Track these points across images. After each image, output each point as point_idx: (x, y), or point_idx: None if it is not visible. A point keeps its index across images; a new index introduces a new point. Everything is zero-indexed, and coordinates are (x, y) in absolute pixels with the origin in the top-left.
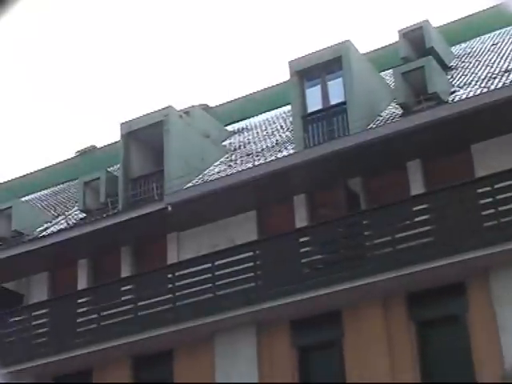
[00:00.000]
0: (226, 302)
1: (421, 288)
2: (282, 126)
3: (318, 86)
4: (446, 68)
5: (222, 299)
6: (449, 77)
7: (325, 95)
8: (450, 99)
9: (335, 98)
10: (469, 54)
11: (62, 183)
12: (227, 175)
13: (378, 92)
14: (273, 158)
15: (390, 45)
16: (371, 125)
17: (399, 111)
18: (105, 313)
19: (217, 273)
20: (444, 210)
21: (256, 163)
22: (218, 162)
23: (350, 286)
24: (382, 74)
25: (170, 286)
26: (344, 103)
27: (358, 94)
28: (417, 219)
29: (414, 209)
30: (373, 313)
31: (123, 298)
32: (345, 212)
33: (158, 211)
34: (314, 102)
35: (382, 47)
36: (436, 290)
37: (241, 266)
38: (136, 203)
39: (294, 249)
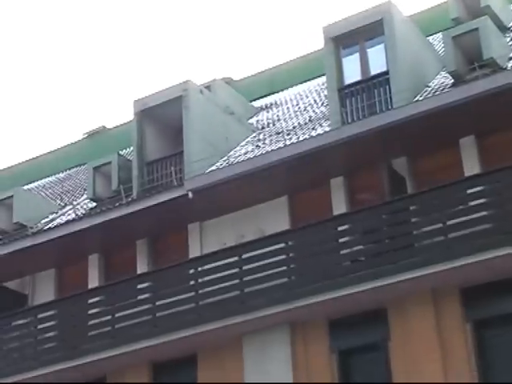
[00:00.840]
0: (256, 300)
1: (477, 282)
2: (315, 101)
3: (357, 55)
4: (504, 30)
5: (250, 297)
6: (507, 39)
7: (364, 64)
8: (510, 65)
9: (376, 67)
10: None
11: (69, 169)
12: (255, 157)
13: (426, 59)
14: (306, 136)
15: (439, 5)
16: (418, 97)
17: (450, 81)
18: (119, 314)
19: (244, 267)
20: (503, 193)
21: (287, 143)
22: (244, 142)
23: (396, 280)
24: (430, 38)
25: (192, 282)
26: (386, 73)
27: (403, 63)
28: (471, 204)
29: (469, 192)
30: (422, 311)
31: (140, 297)
32: (389, 197)
33: (177, 199)
34: (352, 73)
35: (430, 8)
36: (494, 285)
37: (271, 260)
38: (152, 190)
39: (331, 239)
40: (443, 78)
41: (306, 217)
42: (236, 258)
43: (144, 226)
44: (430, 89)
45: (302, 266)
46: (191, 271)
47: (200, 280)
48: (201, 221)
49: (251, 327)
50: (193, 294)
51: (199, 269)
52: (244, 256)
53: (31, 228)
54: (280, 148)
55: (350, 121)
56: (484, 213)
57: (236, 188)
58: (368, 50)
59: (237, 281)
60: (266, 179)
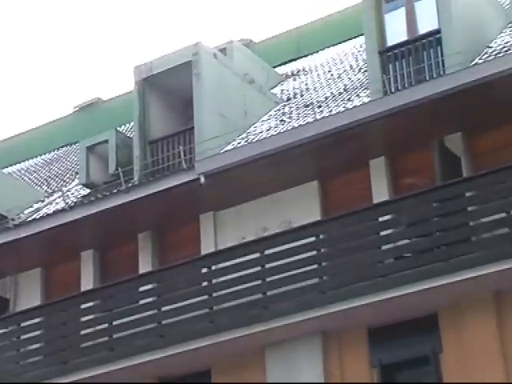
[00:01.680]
0: (281, 304)
1: None
2: (351, 66)
3: (402, 9)
4: None
5: (274, 301)
6: None
7: (411, 22)
8: None
9: (425, 24)
10: None
11: (58, 149)
12: (279, 134)
13: (486, 14)
14: (340, 109)
15: None
16: (476, 60)
17: None
18: (118, 321)
19: (267, 266)
20: None
21: (317, 117)
22: (266, 117)
23: (450, 281)
24: None
25: (205, 284)
26: (437, 32)
27: (458, 19)
28: None
29: None
30: (481, 317)
31: (142, 302)
32: (441, 180)
33: (186, 184)
34: (396, 32)
35: None
36: None
37: (299, 257)
38: (157, 174)
39: (371, 232)
40: (509, 37)
41: (341, 205)
42: (257, 255)
43: (147, 216)
44: (491, 50)
45: (335, 264)
46: (204, 270)
47: (214, 281)
48: (215, 210)
49: (276, 337)
50: (206, 297)
51: (213, 267)
52: (267, 252)
53: (12, 220)
54: (309, 123)
55: (393, 90)
56: None
57: (257, 171)
58: (415, 4)
59: (258, 282)
60: (292, 161)
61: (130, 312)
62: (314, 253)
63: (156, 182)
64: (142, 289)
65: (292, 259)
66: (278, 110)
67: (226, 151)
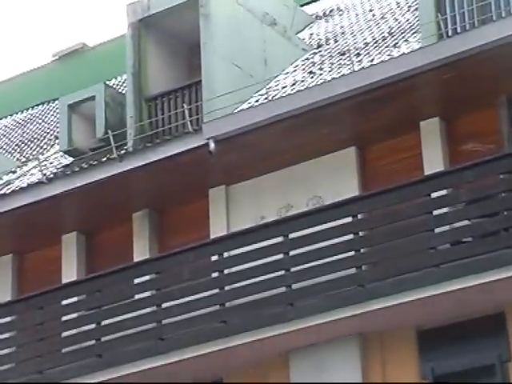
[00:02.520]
0: (309, 300)
1: None
2: (398, 4)
3: None
4: None
5: (301, 296)
6: None
7: None
8: None
9: None
10: None
11: (32, 108)
12: (307, 89)
13: None
14: (383, 58)
15: None
16: None
17: None
18: (108, 321)
19: (292, 252)
20: None
21: (355, 68)
22: (291, 68)
23: None
24: None
25: (216, 274)
26: None
27: None
28: None
29: None
30: None
31: (138, 297)
32: (509, 146)
33: (193, 151)
34: None
35: None
36: None
37: (332, 241)
38: (156, 139)
39: (421, 210)
40: None
41: (384, 178)
42: (280, 239)
43: (144, 192)
44: None
45: (377, 250)
46: (214, 258)
47: (227, 271)
48: (227, 184)
49: (302, 341)
50: (216, 291)
51: (225, 254)
52: (291, 236)
53: None
54: (345, 76)
55: (450, 33)
56: None
57: (279, 136)
58: None
59: (281, 272)
60: (323, 123)
61: (123, 309)
62: (351, 236)
63: (155, 149)
64: (137, 281)
65: (323, 244)
66: (306, 59)
67: (241, 111)
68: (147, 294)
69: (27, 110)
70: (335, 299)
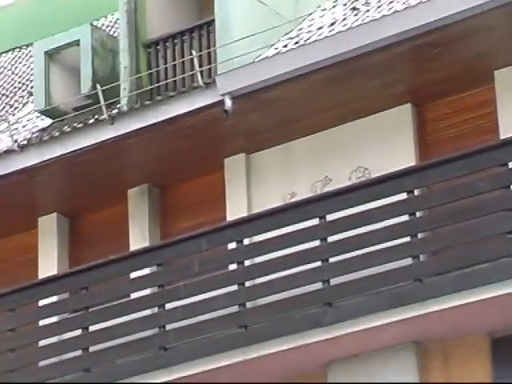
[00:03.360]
0: (352, 299)
1: None
2: None
3: None
4: None
5: (342, 294)
6: None
7: None
8: None
9: None
10: None
11: None
12: (349, 30)
13: None
14: None
15: None
16: None
17: None
18: (96, 326)
19: (331, 239)
20: None
21: (411, 2)
22: (329, 3)
23: None
24: None
25: (234, 266)
26: None
27: None
28: None
29: None
30: None
31: (135, 296)
32: None
33: (204, 110)
34: None
35: None
36: None
37: (381, 224)
38: (157, 95)
39: (496, 184)
40: None
41: (447, 143)
42: (315, 222)
43: (142, 162)
44: None
45: (438, 235)
46: (232, 246)
47: (248, 262)
48: (248, 152)
49: (344, 350)
50: (234, 288)
51: (246, 241)
52: (329, 218)
53: None
54: (398, 12)
55: None
56: None
57: (313, 91)
58: None
59: (317, 264)
60: (370, 73)
61: (116, 312)
62: (406, 218)
63: (155, 108)
64: (134, 275)
65: (368, 228)
66: None
67: (264, 59)
68: (146, 291)
69: None
70: (385, 298)
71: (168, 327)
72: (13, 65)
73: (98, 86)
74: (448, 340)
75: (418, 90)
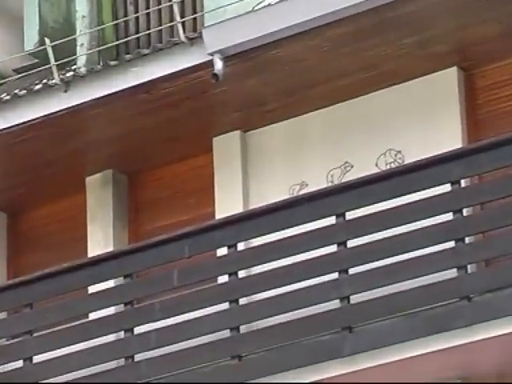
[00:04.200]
0: (379, 322)
1: None
2: None
3: None
4: None
5: (365, 315)
6: None
7: None
8: None
9: None
10: None
11: None
12: None
13: None
14: None
15: None
16: None
17: None
18: (45, 356)
19: (351, 243)
20: None
21: None
22: None
23: None
24: None
25: (225, 278)
26: None
27: None
28: None
29: None
30: None
31: (94, 316)
32: None
33: (186, 75)
34: None
35: None
36: None
37: (414, 225)
38: (126, 54)
39: None
40: None
41: (504, 119)
42: (331, 221)
43: (105, 141)
44: None
45: (492, 239)
46: (222, 251)
47: (242, 273)
48: (243, 129)
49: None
50: (225, 305)
51: (240, 246)
52: (350, 216)
53: None
54: None
55: None
56: None
57: (329, 49)
58: None
59: (333, 275)
60: (404, 26)
61: (70, 337)
62: (449, 216)
63: (123, 71)
64: (93, 289)
65: (401, 230)
66: None
67: (266, 7)
68: (110, 310)
69: None
70: (422, 321)
71: (137, 357)
72: None
73: (47, 41)
74: (504, 376)
75: (467, 49)
